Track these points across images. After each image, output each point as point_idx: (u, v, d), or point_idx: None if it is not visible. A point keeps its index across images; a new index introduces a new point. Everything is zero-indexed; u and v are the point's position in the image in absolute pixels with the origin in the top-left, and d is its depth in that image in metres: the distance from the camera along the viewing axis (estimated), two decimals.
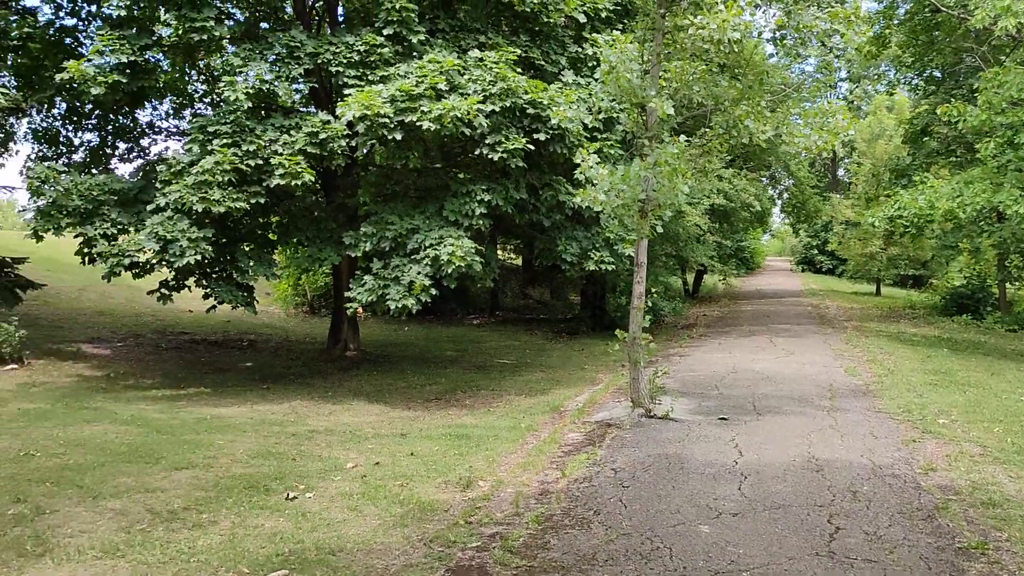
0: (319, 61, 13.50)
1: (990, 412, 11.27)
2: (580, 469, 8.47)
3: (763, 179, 36.15)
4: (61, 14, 17.15)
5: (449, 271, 12.35)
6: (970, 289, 28.19)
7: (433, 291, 12.63)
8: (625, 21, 13.59)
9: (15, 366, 14.39)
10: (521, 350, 19.93)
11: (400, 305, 12.42)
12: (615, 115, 13.88)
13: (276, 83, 13.00)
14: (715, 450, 9.16)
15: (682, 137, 10.69)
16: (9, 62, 17.10)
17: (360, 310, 14.80)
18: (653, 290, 14.43)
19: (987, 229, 22.92)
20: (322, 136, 12.80)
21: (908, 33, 27.09)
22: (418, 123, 12.23)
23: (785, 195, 42.47)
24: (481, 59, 13.23)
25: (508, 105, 12.69)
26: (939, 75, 28.93)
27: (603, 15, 15.38)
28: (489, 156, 12.76)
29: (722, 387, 13.34)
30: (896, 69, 31.76)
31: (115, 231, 13.46)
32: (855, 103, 54.30)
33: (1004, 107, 17.31)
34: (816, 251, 58.01)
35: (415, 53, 13.74)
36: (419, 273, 12.46)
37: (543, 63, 15.00)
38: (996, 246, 25.30)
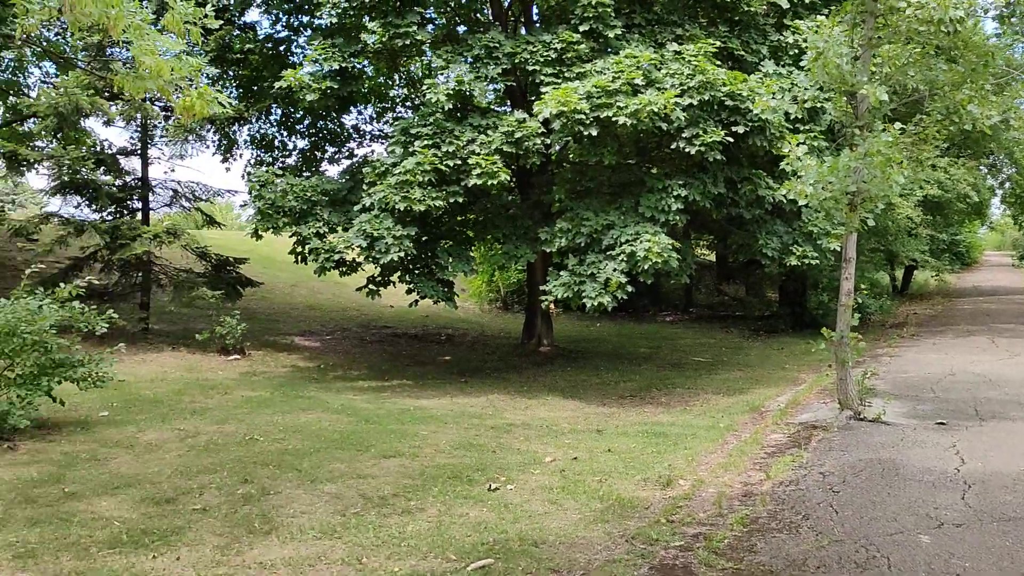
0: (516, 60, 13.74)
1: None
2: (785, 471, 8.18)
3: (981, 168, 33.59)
4: (278, 27, 18.33)
5: (645, 267, 12.25)
6: None
7: (630, 288, 12.57)
8: (831, 6, 12.98)
9: (238, 356, 15.50)
10: (717, 348, 19.51)
11: (596, 303, 12.45)
12: (819, 105, 13.31)
13: (474, 83, 13.35)
14: (933, 456, 8.60)
15: (896, 125, 10.10)
16: (231, 74, 18.45)
17: (552, 306, 14.95)
18: (860, 287, 13.75)
19: None
20: (518, 135, 13.02)
21: None
22: (614, 119, 12.21)
23: (1007, 184, 39.29)
24: (679, 52, 13.05)
25: (706, 98, 12.45)
26: None
27: (807, 0, 14.79)
28: (686, 150, 12.56)
29: (938, 390, 12.52)
30: None
31: (326, 229, 14.24)
32: None
33: None
34: None
35: (611, 49, 13.73)
36: (615, 270, 12.44)
37: (743, 53, 14.61)
38: None
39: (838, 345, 10.77)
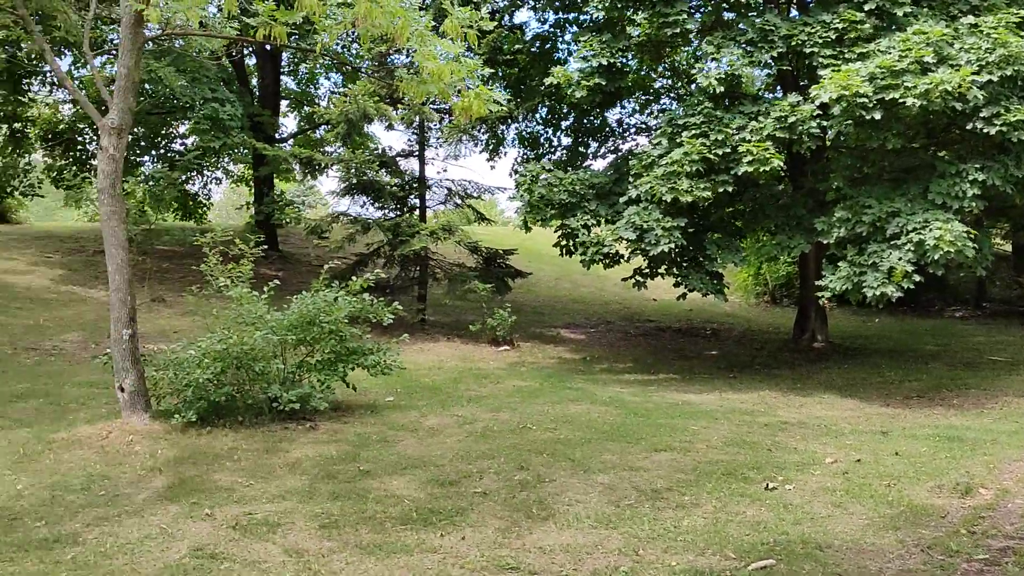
0: (792, 43, 13.20)
1: None
2: None
3: None
4: (545, 25, 18.79)
5: (935, 257, 11.34)
6: None
7: (916, 277, 11.70)
8: None
9: (507, 347, 16.09)
10: (1017, 346, 17.72)
11: (878, 292, 11.71)
12: None
13: (744, 69, 12.99)
14: None
15: None
16: (501, 74, 19.15)
17: (826, 300, 14.27)
18: None
19: None
20: (791, 120, 12.52)
21: None
22: (900, 100, 11.41)
23: None
24: (975, 25, 11.97)
25: (1008, 73, 11.32)
26: None
27: None
28: (984, 131, 11.50)
29: None
30: None
31: (593, 222, 14.40)
32: None
33: None
34: None
35: (896, 26, 12.83)
36: (900, 259, 11.63)
37: None
38: None
39: None
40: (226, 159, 23.23)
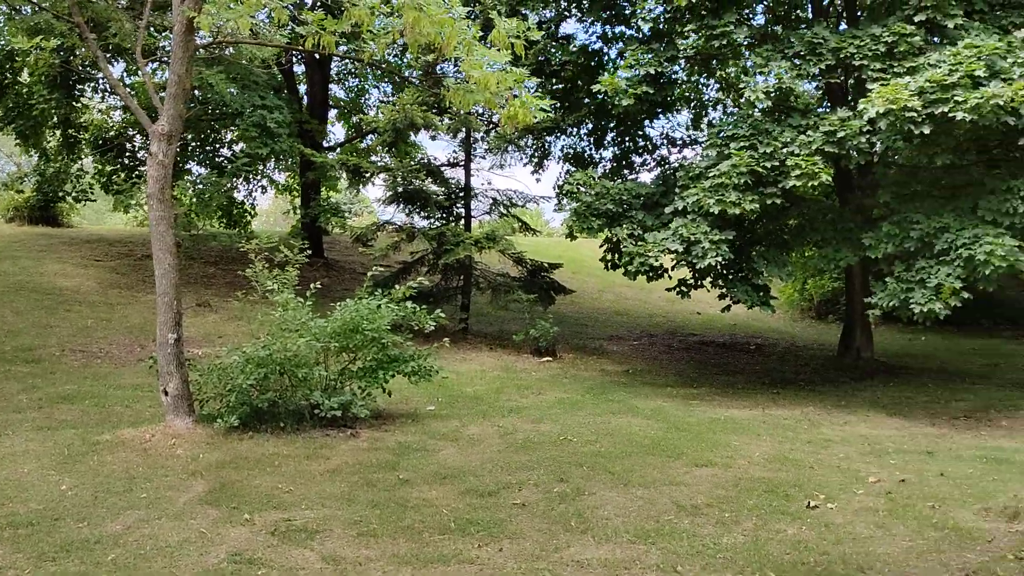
0: (841, 55, 13.06)
1: None
2: None
3: None
4: (592, 37, 18.80)
5: (987, 272, 11.13)
6: None
7: (965, 295, 11.49)
8: None
9: (550, 358, 16.07)
10: None
11: (926, 309, 11.51)
12: None
13: (793, 81, 12.89)
14: None
15: None
16: (548, 86, 19.16)
17: (874, 317, 14.07)
18: None
19: None
20: (840, 134, 12.39)
21: None
22: (950, 115, 11.23)
23: None
24: None
25: None
26: None
27: None
28: None
29: None
30: None
31: (640, 231, 14.31)
32: None
33: None
34: None
35: (947, 39, 12.65)
36: (948, 275, 11.44)
37: None
38: None
39: None
40: (272, 166, 23.53)
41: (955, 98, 11.27)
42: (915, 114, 11.48)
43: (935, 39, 13.00)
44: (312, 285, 10.48)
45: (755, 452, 9.33)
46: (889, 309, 12.27)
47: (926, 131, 11.60)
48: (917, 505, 7.40)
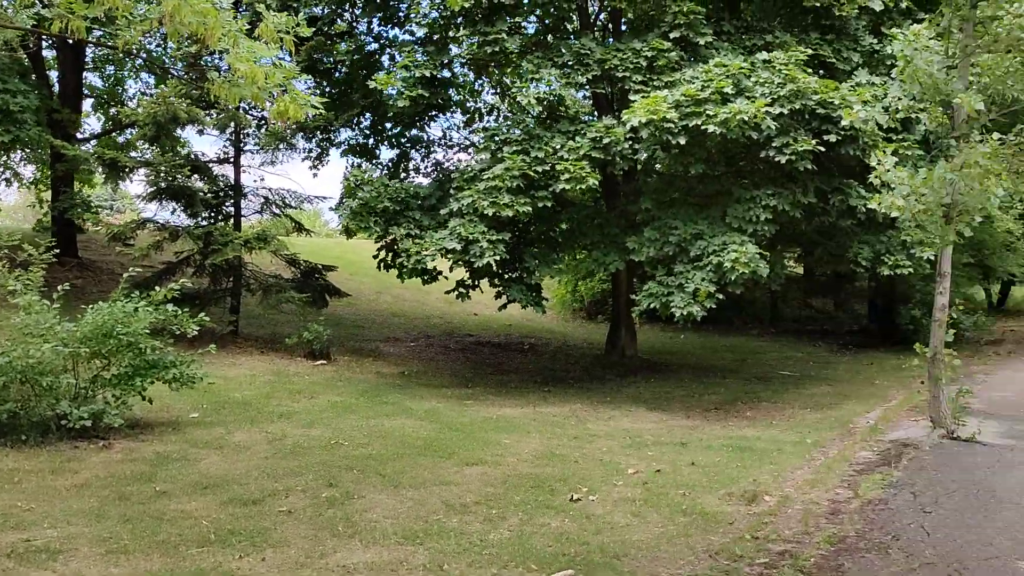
0: (606, 67, 13.72)
1: None
2: (875, 490, 7.95)
3: None
4: (368, 38, 18.63)
5: (733, 278, 12.07)
6: None
7: (719, 296, 12.40)
8: (927, 12, 12.64)
9: (324, 361, 15.79)
10: (804, 362, 19.10)
11: (685, 312, 12.31)
12: (914, 116, 12.95)
13: (564, 89, 13.40)
14: None
15: (995, 135, 9.76)
16: (322, 84, 18.79)
17: (637, 317, 14.87)
18: (955, 302, 13.26)
19: None
20: (605, 141, 13.01)
21: None
22: (703, 127, 12.08)
23: None
24: (768, 60, 12.85)
25: (797, 107, 12.22)
26: None
27: (903, 5, 14.42)
28: (776, 159, 12.36)
29: None
30: None
31: (417, 231, 14.32)
32: None
33: None
34: None
35: (700, 57, 13.61)
36: (703, 279, 12.30)
37: (834, 61, 14.29)
38: None
39: (931, 362, 10.46)
40: (18, 157, 21.63)
41: (707, 112, 12.14)
42: (672, 125, 12.25)
43: (690, 57, 13.93)
44: (60, 287, 9.74)
45: (525, 449, 9.62)
46: (652, 310, 13.03)
47: (682, 142, 12.41)
48: (670, 493, 7.89)
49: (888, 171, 9.82)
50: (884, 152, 10.05)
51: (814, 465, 9.18)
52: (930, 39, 10.01)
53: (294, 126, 14.91)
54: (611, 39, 16.01)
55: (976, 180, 9.52)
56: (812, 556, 6.19)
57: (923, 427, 10.79)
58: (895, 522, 7.01)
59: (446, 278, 14.88)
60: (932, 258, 10.90)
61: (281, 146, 17.03)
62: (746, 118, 11.88)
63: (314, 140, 19.14)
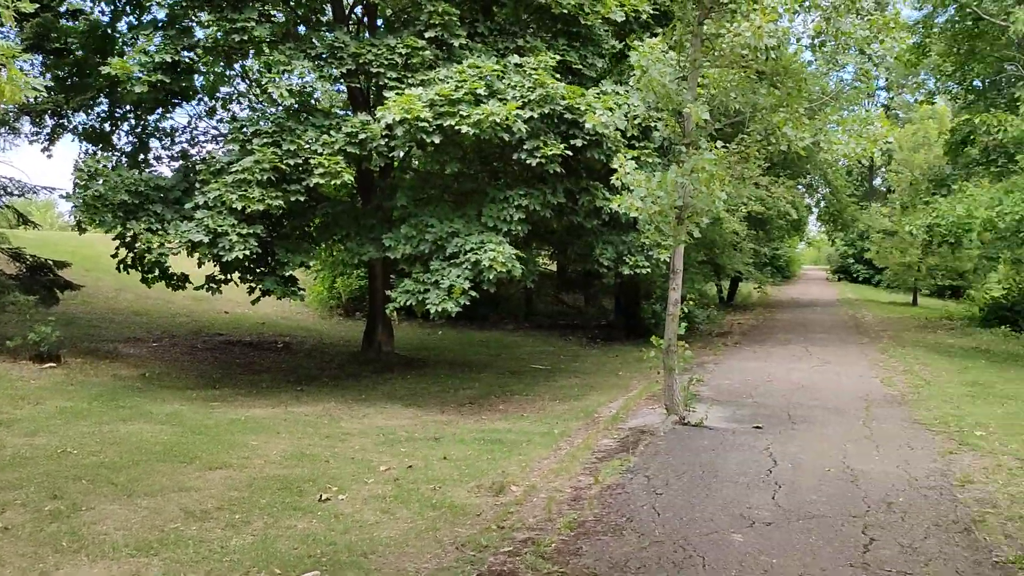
0: (361, 62, 13.56)
1: None
2: (613, 476, 8.42)
3: (800, 187, 35.79)
4: (104, 18, 17.37)
5: (490, 276, 12.33)
6: (1009, 301, 27.78)
7: (473, 293, 12.60)
8: (663, 26, 13.54)
9: (53, 364, 14.57)
10: (555, 356, 19.90)
11: (440, 308, 12.42)
12: (652, 124, 13.83)
13: (317, 83, 13.13)
14: (749, 459, 9.07)
15: (719, 143, 10.62)
16: (50, 63, 17.33)
17: (395, 313, 14.85)
18: (689, 297, 14.38)
19: None
20: (361, 137, 12.87)
21: (948, 42, 26.67)
22: (457, 127, 12.25)
23: (822, 203, 42.05)
24: (520, 65, 13.24)
25: (547, 111, 12.67)
26: (979, 85, 28.47)
27: (643, 18, 15.33)
28: (527, 162, 12.76)
29: (757, 396, 13.22)
30: (936, 78, 31.33)
31: (159, 226, 13.47)
32: (893, 111, 53.69)
33: None
34: (853, 260, 57.44)
35: (455, 57, 13.79)
36: (459, 276, 12.47)
37: (580, 67, 14.97)
38: None
39: (665, 353, 11.23)
40: None
41: (461, 113, 12.32)
42: (427, 124, 12.32)
43: (445, 56, 14.07)
44: None
45: (273, 451, 9.35)
46: (407, 307, 13.06)
47: (437, 141, 12.52)
48: (421, 488, 7.96)
49: (628, 174, 10.42)
50: (624, 157, 10.65)
51: (560, 455, 9.58)
52: (664, 52, 10.73)
53: (14, 108, 13.60)
54: (367, 34, 15.86)
55: (704, 184, 10.31)
56: (553, 542, 6.45)
57: (659, 414, 11.54)
58: (630, 505, 7.45)
59: (191, 283, 14.17)
60: (668, 260, 11.67)
61: (2, 130, 15.54)
62: (498, 120, 12.16)
63: (44, 124, 17.59)
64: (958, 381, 15.05)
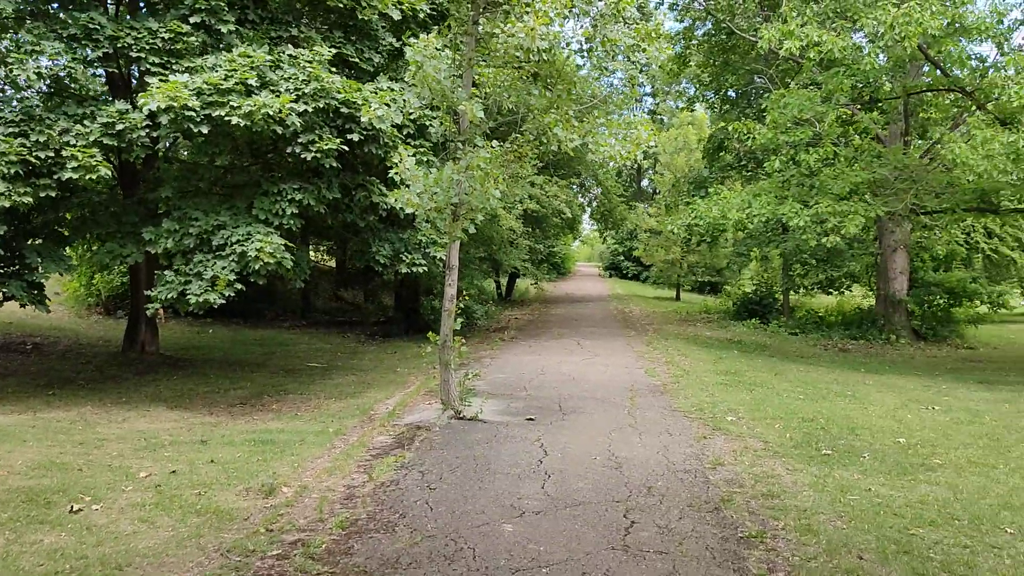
0: (119, 45, 12.70)
1: (772, 410, 12.09)
2: (388, 472, 8.40)
3: (573, 186, 37.29)
4: None
5: (256, 267, 11.92)
6: (758, 295, 30.27)
7: (238, 286, 12.13)
8: (440, 25, 13.64)
9: None
10: (332, 353, 19.61)
11: (201, 299, 11.86)
12: (428, 122, 13.92)
13: (72, 65, 12.17)
14: (521, 450, 9.33)
15: (494, 142, 10.84)
16: None
17: (161, 311, 14.09)
18: (466, 293, 14.61)
19: (774, 239, 24.71)
20: (120, 127, 12.07)
21: (706, 53, 28.72)
22: (227, 118, 11.75)
23: (594, 203, 44.03)
24: (294, 57, 12.91)
25: (322, 105, 12.43)
26: (733, 94, 30.83)
27: (420, 17, 15.37)
28: (302, 155, 12.47)
29: (530, 388, 13.62)
30: (696, 87, 33.64)
31: None
32: (659, 116, 57.09)
33: (788, 126, 18.64)
34: (622, 257, 60.57)
35: (224, 45, 13.22)
36: (223, 268, 11.98)
37: (357, 60, 14.80)
38: (781, 255, 27.33)
39: (442, 348, 11.34)
40: None
41: (231, 103, 11.83)
42: (195, 114, 11.74)
43: (214, 43, 13.47)
44: None
45: (18, 460, 8.61)
46: (168, 302, 12.41)
47: (205, 131, 11.97)
48: (184, 494, 7.59)
49: (407, 169, 10.42)
50: (405, 152, 10.65)
51: (334, 453, 9.44)
52: (439, 49, 10.80)
53: None
54: (128, 16, 14.91)
55: (479, 182, 10.50)
56: (324, 542, 6.36)
57: (436, 410, 11.63)
58: (404, 501, 7.46)
59: None
60: (444, 258, 11.79)
61: None
62: (271, 112, 11.79)
63: None
64: (713, 370, 16.20)
